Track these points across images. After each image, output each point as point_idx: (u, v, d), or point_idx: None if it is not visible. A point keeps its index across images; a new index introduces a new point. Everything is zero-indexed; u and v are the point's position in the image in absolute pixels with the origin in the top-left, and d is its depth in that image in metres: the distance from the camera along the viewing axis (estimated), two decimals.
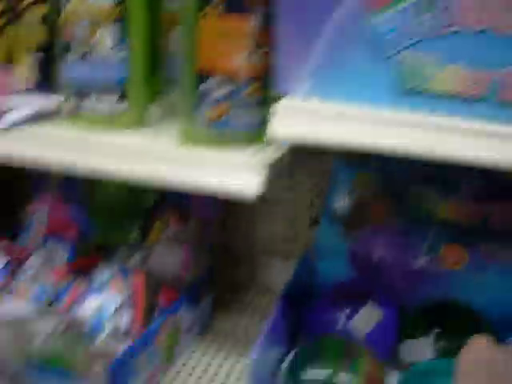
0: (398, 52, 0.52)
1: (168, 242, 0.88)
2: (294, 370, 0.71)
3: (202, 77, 0.59)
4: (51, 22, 0.85)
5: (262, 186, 0.57)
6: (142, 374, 0.74)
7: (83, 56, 0.64)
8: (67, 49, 0.65)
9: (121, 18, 0.63)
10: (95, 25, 0.63)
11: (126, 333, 0.76)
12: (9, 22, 0.84)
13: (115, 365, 0.68)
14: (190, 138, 0.61)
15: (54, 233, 0.93)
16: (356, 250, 0.88)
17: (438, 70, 0.51)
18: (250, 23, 0.58)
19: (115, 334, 0.76)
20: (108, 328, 0.76)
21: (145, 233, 0.92)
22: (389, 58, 0.52)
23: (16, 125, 0.68)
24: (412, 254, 0.85)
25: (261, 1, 0.58)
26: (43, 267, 0.87)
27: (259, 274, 1.05)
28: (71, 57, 0.65)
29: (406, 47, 0.51)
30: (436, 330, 0.76)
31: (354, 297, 0.82)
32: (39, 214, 0.98)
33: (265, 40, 0.59)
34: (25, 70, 0.84)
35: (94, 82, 0.65)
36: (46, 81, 0.84)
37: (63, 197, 0.98)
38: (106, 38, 0.63)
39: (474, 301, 0.80)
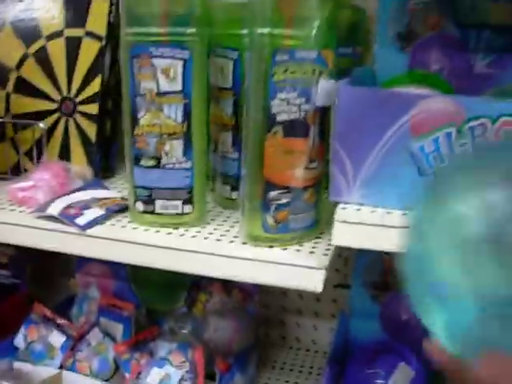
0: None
1: (215, 313, 0.96)
2: None
3: (265, 186, 0.68)
4: (104, 118, 0.95)
5: (322, 283, 0.66)
6: None
7: (155, 164, 0.73)
8: (140, 157, 0.73)
9: (186, 133, 0.72)
10: (166, 138, 0.72)
11: None
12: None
13: None
14: (254, 238, 0.70)
15: (107, 309, 1.00)
16: (385, 311, 0.97)
17: None
18: (307, 142, 0.67)
19: None
20: None
21: (191, 303, 1.00)
22: (429, 173, 0.62)
23: (91, 225, 0.76)
24: None
25: (315, 122, 0.67)
26: (102, 342, 0.95)
27: (290, 333, 1.14)
28: (143, 163, 0.73)
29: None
30: None
31: (388, 356, 0.91)
32: (89, 289, 1.06)
33: (318, 154, 0.69)
34: (82, 164, 0.93)
35: (164, 186, 0.74)
36: (100, 170, 0.94)
37: (110, 269, 1.06)
38: (174, 150, 0.73)
39: None
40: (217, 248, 0.70)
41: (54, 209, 0.79)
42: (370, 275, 0.97)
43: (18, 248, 1.15)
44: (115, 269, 1.07)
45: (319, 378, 0.99)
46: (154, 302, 1.04)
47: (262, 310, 1.10)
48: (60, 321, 0.99)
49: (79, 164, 0.93)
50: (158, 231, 0.74)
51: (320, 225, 0.73)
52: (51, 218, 0.78)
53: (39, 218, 0.79)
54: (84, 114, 0.94)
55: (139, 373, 0.88)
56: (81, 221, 0.76)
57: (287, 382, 1.02)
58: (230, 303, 0.97)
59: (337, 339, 0.93)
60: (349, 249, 0.66)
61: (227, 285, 0.99)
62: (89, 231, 0.75)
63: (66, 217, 0.77)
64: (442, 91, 0.73)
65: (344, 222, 0.63)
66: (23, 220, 0.80)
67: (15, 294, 1.14)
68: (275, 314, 1.13)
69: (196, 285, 1.01)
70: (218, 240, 0.72)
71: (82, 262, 1.12)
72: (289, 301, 1.12)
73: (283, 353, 1.11)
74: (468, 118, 0.59)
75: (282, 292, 1.12)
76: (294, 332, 1.13)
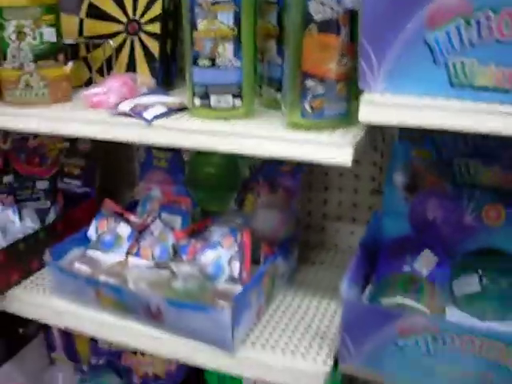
0: (449, 57, 0.72)
1: (262, 208, 1.09)
2: (373, 299, 0.92)
3: (303, 78, 0.80)
4: (165, 37, 1.07)
5: (351, 158, 0.78)
6: (253, 308, 0.96)
7: (210, 64, 0.85)
8: (197, 58, 0.86)
9: (237, 36, 0.84)
10: (219, 41, 0.84)
11: (238, 278, 0.99)
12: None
13: (236, 299, 0.90)
14: (294, 124, 0.83)
15: (167, 205, 1.15)
16: (414, 211, 1.08)
17: (477, 70, 0.71)
18: (339, 39, 0.78)
19: (230, 279, 0.99)
20: (225, 274, 0.99)
21: (240, 203, 1.14)
22: (443, 61, 0.72)
23: (156, 118, 0.90)
24: (460, 212, 1.05)
25: (346, 23, 0.78)
26: (163, 232, 1.10)
27: (329, 236, 1.26)
28: (199, 64, 0.86)
29: (455, 54, 0.71)
30: (480, 270, 0.97)
31: (414, 247, 1.03)
32: (152, 191, 1.21)
33: (349, 51, 0.80)
34: (146, 76, 1.07)
35: (216, 83, 0.86)
36: (162, 84, 1.08)
37: (170, 177, 1.21)
38: (226, 51, 0.85)
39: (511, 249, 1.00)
40: (263, 132, 0.83)
41: (124, 107, 0.93)
42: (401, 178, 1.08)
43: (88, 160, 1.32)
44: (174, 175, 1.21)
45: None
46: (208, 203, 1.17)
47: (304, 215, 1.23)
48: (126, 215, 1.14)
49: (145, 76, 1.07)
50: (213, 122, 0.87)
51: (351, 115, 0.84)
52: (122, 114, 0.92)
53: (112, 115, 0.93)
54: (148, 34, 1.07)
55: (195, 255, 1.02)
56: (147, 115, 0.90)
57: (324, 276, 1.15)
58: (276, 200, 1.10)
59: (368, 232, 1.05)
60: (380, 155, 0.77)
61: (273, 185, 1.11)
62: (154, 123, 0.89)
63: (135, 112, 0.91)
64: None
65: (369, 102, 0.74)
66: (98, 116, 0.94)
67: (87, 200, 1.31)
68: (316, 220, 1.26)
69: (244, 186, 1.14)
70: (264, 127, 0.85)
71: (144, 172, 1.27)
72: (328, 207, 1.24)
73: (322, 254, 1.24)
74: (474, 10, 0.69)
75: (323, 199, 1.24)
76: (333, 237, 1.26)
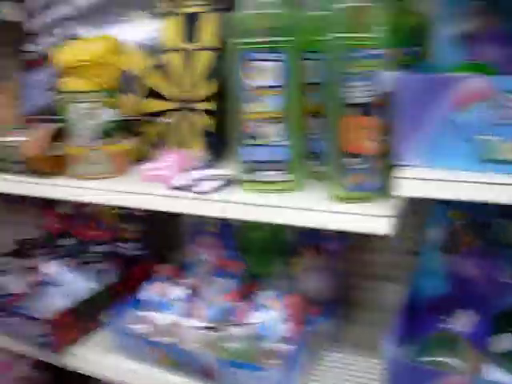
0: (477, 135, 0.79)
1: (307, 271, 1.16)
2: (415, 357, 0.97)
3: (343, 155, 0.88)
4: (217, 113, 1.17)
5: (392, 228, 0.85)
6: (301, 367, 1.02)
7: (258, 143, 0.94)
8: (246, 137, 0.95)
9: (284, 117, 0.94)
10: (266, 122, 0.93)
11: (286, 339, 1.05)
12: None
13: (285, 360, 0.96)
14: (337, 197, 0.90)
15: (218, 268, 1.23)
16: (451, 270, 1.14)
17: (501, 146, 0.78)
18: (374, 119, 0.87)
19: (278, 339, 1.05)
20: (273, 335, 1.05)
21: (287, 265, 1.21)
22: (470, 139, 0.80)
23: (209, 193, 0.99)
24: (496, 272, 1.10)
25: (381, 104, 0.87)
26: (215, 294, 1.17)
27: (369, 295, 1.32)
28: (249, 143, 0.95)
29: (481, 133, 0.79)
30: None
31: (452, 306, 1.08)
32: (202, 254, 1.29)
33: (384, 129, 0.88)
34: (199, 150, 1.16)
35: (264, 160, 0.95)
36: (213, 156, 1.17)
37: (221, 241, 1.29)
38: (273, 131, 0.94)
39: None
40: (308, 205, 0.91)
41: (179, 181, 1.02)
42: (438, 238, 1.14)
43: (142, 224, 1.41)
44: (224, 240, 1.30)
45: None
46: (257, 266, 1.25)
47: (346, 275, 1.29)
48: (179, 277, 1.23)
49: (195, 150, 1.16)
50: (262, 196, 0.95)
51: (389, 187, 0.91)
52: (177, 188, 1.01)
53: (167, 189, 1.03)
54: (200, 111, 1.17)
55: (245, 316, 1.09)
56: (200, 189, 0.99)
57: (367, 335, 1.21)
58: (320, 263, 1.17)
59: (407, 292, 1.10)
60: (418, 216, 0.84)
61: (317, 248, 1.19)
62: (207, 196, 0.98)
63: (189, 186, 1.00)
64: None
65: (404, 178, 0.81)
66: (154, 189, 1.04)
67: (141, 263, 1.40)
68: (356, 280, 1.31)
69: (291, 250, 1.21)
70: (309, 200, 0.92)
71: (195, 235, 1.36)
72: (368, 267, 1.30)
73: (363, 313, 1.29)
74: (496, 93, 0.77)
75: (363, 260, 1.30)
76: (373, 296, 1.31)
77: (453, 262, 1.14)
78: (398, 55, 0.97)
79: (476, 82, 0.78)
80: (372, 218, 0.86)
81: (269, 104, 0.93)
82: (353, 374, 1.08)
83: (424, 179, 0.81)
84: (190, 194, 0.99)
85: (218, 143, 1.19)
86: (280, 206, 0.92)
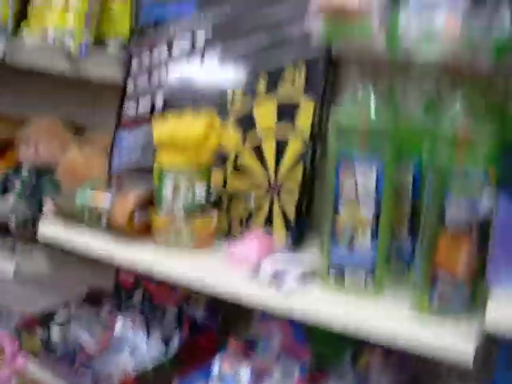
0: None
1: (375, 370, 1.15)
2: None
3: (435, 271, 0.88)
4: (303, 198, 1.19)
5: (471, 360, 0.83)
6: None
7: (349, 245, 0.95)
8: (336, 240, 0.96)
9: (376, 223, 0.94)
10: (358, 228, 0.94)
11: None
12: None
13: None
14: (420, 309, 0.90)
15: (287, 352, 1.23)
16: None
17: None
18: (471, 241, 0.86)
19: None
20: None
21: (354, 359, 1.20)
22: None
23: (292, 290, 0.99)
24: None
25: (478, 227, 0.86)
26: (282, 378, 1.17)
27: None
28: (339, 244, 0.96)
29: None
30: None
31: None
32: (272, 336, 1.29)
33: (479, 251, 0.87)
34: (282, 234, 1.18)
35: (352, 264, 0.96)
36: (295, 242, 1.18)
37: (290, 324, 1.29)
38: (364, 236, 0.95)
39: None
40: (389, 317, 0.90)
41: (264, 271, 1.04)
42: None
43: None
44: (293, 323, 1.29)
45: None
46: (325, 354, 1.24)
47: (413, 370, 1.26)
48: (249, 356, 1.23)
49: (279, 234, 1.18)
50: (344, 299, 0.96)
51: (477, 310, 0.90)
52: (261, 278, 1.03)
53: (252, 276, 1.04)
54: (287, 194, 1.19)
55: None
56: (285, 286, 1.00)
57: None
58: (389, 363, 1.15)
59: None
60: None
61: (388, 350, 1.17)
62: (289, 296, 0.98)
63: (274, 279, 1.01)
64: None
65: (497, 309, 0.80)
66: (239, 276, 1.06)
67: (209, 332, 1.41)
68: (424, 377, 1.28)
69: (361, 346, 1.20)
70: (391, 307, 0.92)
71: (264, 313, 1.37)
72: (438, 368, 1.27)
73: None
74: None
75: (434, 363, 1.27)
76: None
77: None
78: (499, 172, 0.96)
79: None
80: (454, 345, 0.84)
81: (363, 208, 0.94)
82: None
83: None
84: (275, 294, 1.00)
85: (301, 229, 1.20)
86: (360, 316, 0.92)
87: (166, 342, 1.38)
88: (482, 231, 0.88)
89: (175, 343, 1.38)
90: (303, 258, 1.10)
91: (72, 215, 1.29)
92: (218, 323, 1.45)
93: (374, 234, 0.95)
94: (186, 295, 1.47)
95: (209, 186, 1.19)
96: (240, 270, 1.08)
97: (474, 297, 0.91)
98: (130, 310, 1.48)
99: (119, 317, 1.44)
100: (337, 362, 1.20)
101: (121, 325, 1.42)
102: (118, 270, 1.59)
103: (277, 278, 1.02)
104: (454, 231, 0.87)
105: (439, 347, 0.85)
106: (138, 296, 1.54)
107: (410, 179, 1.00)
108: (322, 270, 1.00)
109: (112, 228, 1.23)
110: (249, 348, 1.29)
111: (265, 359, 1.23)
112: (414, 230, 0.99)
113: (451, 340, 0.85)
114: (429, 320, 0.89)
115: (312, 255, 1.13)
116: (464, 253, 0.87)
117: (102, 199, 1.26)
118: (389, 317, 0.91)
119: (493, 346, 1.17)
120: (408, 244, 1.02)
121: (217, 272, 1.09)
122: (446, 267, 0.88)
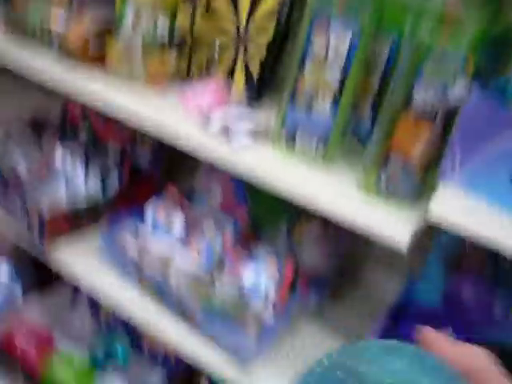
0: None
1: (310, 240, 1.15)
2: None
3: (389, 152, 0.84)
4: (270, 54, 1.11)
5: (407, 245, 0.82)
6: (277, 337, 1.03)
7: (306, 108, 0.90)
8: (295, 101, 0.91)
9: (339, 90, 0.89)
10: (320, 91, 0.89)
11: (272, 305, 1.04)
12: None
13: (264, 329, 0.96)
14: (366, 189, 0.87)
15: (224, 208, 1.21)
16: (450, 287, 1.12)
17: None
18: (433, 128, 0.82)
19: (264, 304, 1.04)
20: (260, 298, 1.04)
21: (291, 229, 1.19)
22: None
23: (242, 148, 0.95)
24: (491, 304, 1.09)
25: (444, 115, 0.82)
26: (214, 234, 1.16)
27: (364, 275, 1.31)
28: (297, 106, 0.91)
29: None
30: None
31: (439, 322, 1.07)
32: (212, 186, 1.26)
33: (438, 141, 0.84)
34: (241, 87, 1.11)
35: (307, 129, 0.91)
36: (253, 97, 1.12)
37: (232, 181, 1.26)
38: (325, 102, 0.89)
39: None
40: (335, 189, 0.87)
41: (215, 123, 0.98)
42: (448, 251, 1.12)
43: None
44: (236, 181, 1.27)
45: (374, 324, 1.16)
46: (261, 217, 1.23)
47: (348, 254, 1.28)
48: (185, 205, 1.21)
49: (239, 86, 1.11)
50: (293, 164, 0.92)
51: (422, 198, 0.88)
52: (211, 130, 0.97)
53: (201, 127, 0.99)
54: (255, 46, 1.11)
55: (237, 269, 1.08)
56: (234, 142, 0.95)
57: (349, 316, 1.21)
58: (325, 235, 1.15)
59: (400, 296, 1.09)
60: None
61: (326, 220, 1.16)
62: (238, 152, 0.94)
63: (224, 134, 0.96)
64: None
65: (441, 202, 0.78)
66: (187, 125, 1.00)
67: (150, 179, 1.37)
68: (355, 258, 1.30)
69: (299, 214, 1.19)
70: (339, 182, 0.89)
71: (208, 166, 1.33)
72: (371, 247, 1.29)
73: (353, 291, 1.29)
74: None
75: (370, 244, 1.28)
76: (367, 276, 1.30)
77: (454, 279, 1.12)
78: (477, 63, 0.90)
79: None
80: (393, 226, 0.83)
81: (329, 72, 0.88)
82: (320, 351, 1.07)
83: (463, 209, 0.77)
84: (223, 149, 0.95)
85: (262, 85, 1.14)
86: (307, 182, 0.89)
87: (104, 180, 1.34)
88: (447, 122, 0.83)
89: (113, 184, 1.34)
90: (258, 116, 1.05)
91: (24, 33, 1.19)
92: (160, 170, 1.41)
93: (335, 102, 0.89)
94: (131, 137, 1.41)
95: (173, 24, 1.10)
96: (191, 117, 1.02)
97: (423, 186, 0.88)
98: (72, 142, 1.42)
99: (59, 147, 1.38)
100: (272, 228, 1.19)
101: (60, 155, 1.36)
102: (66, 103, 1.51)
103: (227, 132, 0.97)
104: (417, 115, 0.82)
105: (377, 227, 0.84)
106: (82, 130, 1.47)
107: (385, 54, 0.93)
108: (275, 130, 0.95)
109: (65, 53, 1.13)
110: (186, 198, 1.26)
111: (200, 211, 1.21)
112: (376, 108, 0.94)
113: (390, 222, 0.83)
114: (373, 200, 0.86)
115: (268, 114, 1.08)
116: (422, 139, 0.83)
117: (56, 19, 1.16)
118: (333, 190, 0.88)
119: (428, 241, 1.20)
120: (368, 121, 0.97)
121: (167, 115, 1.02)
122: (401, 151, 0.84)
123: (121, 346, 1.48)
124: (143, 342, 1.50)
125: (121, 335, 1.52)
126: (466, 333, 1.07)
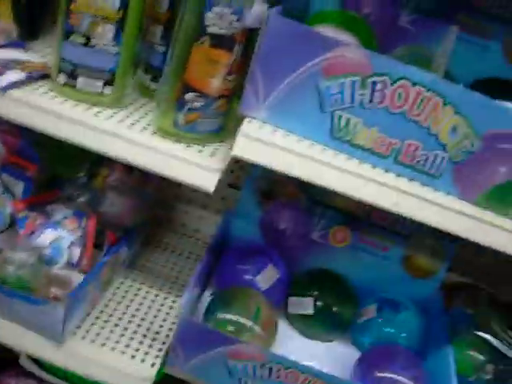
0: (337, 109, 0.71)
1: (113, 188, 1.03)
2: (211, 311, 0.92)
3: (184, 88, 0.74)
4: None
5: (215, 185, 0.75)
6: (88, 300, 0.92)
7: (84, 42, 0.76)
8: (70, 32, 0.76)
9: (120, 20, 0.76)
10: (100, 20, 0.75)
11: (77, 265, 0.93)
12: None
13: (71, 295, 0.85)
14: (163, 131, 0.77)
15: (10, 165, 1.03)
16: (266, 218, 1.09)
17: (360, 129, 0.71)
18: (230, 56, 0.73)
19: (68, 264, 0.93)
20: (63, 259, 0.92)
21: (91, 175, 1.06)
22: (329, 111, 0.71)
23: (11, 88, 0.79)
24: (309, 228, 1.07)
25: (241, 41, 0.73)
26: (1, 197, 0.99)
27: (177, 218, 1.24)
28: (73, 39, 0.76)
29: (343, 108, 0.70)
30: (316, 292, 1.00)
31: (259, 257, 1.03)
32: None
33: (238, 69, 0.75)
34: (8, 21, 0.93)
35: (88, 65, 0.77)
36: (25, 33, 0.95)
37: (18, 129, 1.08)
38: (105, 33, 0.76)
39: (348, 272, 1.05)
40: (128, 133, 0.76)
41: None
42: (260, 183, 1.08)
43: None
44: (22, 128, 1.09)
45: (196, 264, 1.10)
46: (56, 167, 1.07)
47: (156, 192, 1.18)
48: None
49: (5, 20, 0.93)
50: (75, 105, 0.79)
51: (226, 132, 0.81)
52: None
53: None
54: None
55: (33, 231, 0.94)
56: (1, 82, 0.78)
57: (167, 261, 1.13)
58: (129, 182, 1.04)
59: (218, 232, 1.03)
60: None
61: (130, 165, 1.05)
62: (8, 93, 0.78)
63: None
64: (363, 37, 0.80)
65: (246, 136, 0.71)
66: None
67: None
68: (166, 199, 1.22)
69: (99, 158, 1.05)
70: (131, 124, 0.79)
71: None
72: (182, 190, 1.21)
73: (168, 235, 1.21)
74: (373, 73, 0.68)
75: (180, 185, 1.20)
76: (182, 218, 1.23)
77: (269, 209, 1.09)
78: None
79: (355, 53, 0.68)
80: (197, 170, 0.75)
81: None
82: (143, 309, 1.00)
83: (267, 145, 0.71)
84: None
85: (34, 16, 0.97)
86: (95, 127, 0.76)
87: None
88: (246, 48, 0.75)
89: None
90: (32, 55, 0.89)
91: None
92: None
93: (119, 34, 0.76)
94: None
95: None
96: None
97: (227, 120, 0.81)
98: None
99: None
100: (72, 180, 1.05)
101: None
102: None
103: None
104: (212, 43, 0.72)
105: (180, 172, 0.75)
106: None
107: None
108: (53, 69, 0.80)
109: None
110: None
111: None
112: (168, 39, 0.82)
113: (192, 164, 0.75)
114: (171, 141, 0.77)
115: (45, 50, 0.93)
116: (220, 70, 0.74)
117: None
118: (127, 133, 0.77)
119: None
120: (160, 55, 0.85)
121: None
122: (197, 84, 0.74)
123: None
124: None
125: None
126: (287, 259, 1.05)
